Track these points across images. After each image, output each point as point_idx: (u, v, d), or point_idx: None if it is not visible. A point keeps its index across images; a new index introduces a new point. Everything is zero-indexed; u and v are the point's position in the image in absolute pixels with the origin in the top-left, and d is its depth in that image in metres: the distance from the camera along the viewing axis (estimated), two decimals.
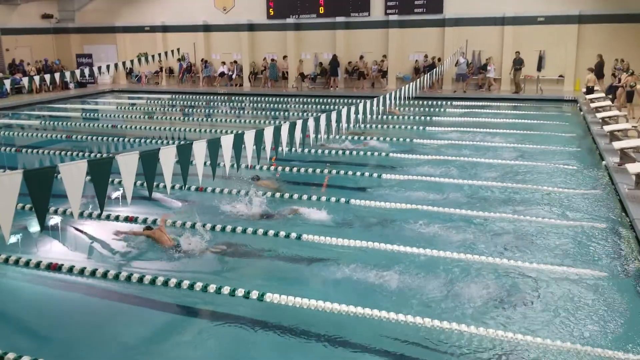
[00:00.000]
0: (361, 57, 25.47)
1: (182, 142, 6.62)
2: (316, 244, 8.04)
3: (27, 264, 7.46)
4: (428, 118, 18.41)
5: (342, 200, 9.85)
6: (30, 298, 6.82)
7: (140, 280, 6.95)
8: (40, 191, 4.15)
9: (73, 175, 4.41)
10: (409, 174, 11.53)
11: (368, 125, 16.25)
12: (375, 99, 13.09)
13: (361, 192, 10.51)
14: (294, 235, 8.26)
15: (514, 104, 21.27)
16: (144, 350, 5.58)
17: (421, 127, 16.73)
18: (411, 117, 18.50)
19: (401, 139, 14.87)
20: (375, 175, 11.49)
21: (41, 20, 29.34)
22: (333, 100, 22.85)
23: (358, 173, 11.62)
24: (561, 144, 14.24)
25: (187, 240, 7.85)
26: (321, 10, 25.85)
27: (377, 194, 10.27)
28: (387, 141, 14.83)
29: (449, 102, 21.49)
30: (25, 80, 21.20)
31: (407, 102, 17.86)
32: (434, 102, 21.45)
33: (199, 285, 6.72)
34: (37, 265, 7.41)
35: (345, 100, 22.44)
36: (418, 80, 17.94)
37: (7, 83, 19.67)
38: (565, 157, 12.86)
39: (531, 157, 12.92)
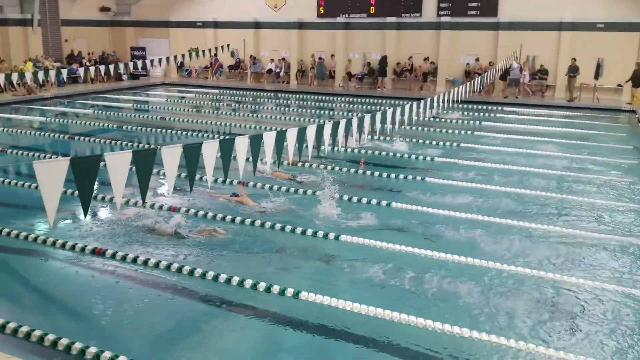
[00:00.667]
0: (410, 58, 25.20)
1: (225, 137, 6.62)
2: (354, 245, 7.94)
3: (73, 247, 7.68)
4: (477, 123, 18.02)
5: (384, 202, 9.70)
6: (73, 281, 6.96)
7: (179, 270, 7.04)
8: (86, 179, 4.21)
9: (118, 165, 4.46)
10: (454, 179, 11.27)
11: (414, 128, 16.01)
12: (422, 101, 12.87)
13: (403, 195, 10.33)
14: (332, 235, 8.18)
15: (567, 112, 20.60)
16: (175, 340, 5.61)
17: (469, 132, 16.37)
18: (459, 122, 18.14)
19: (447, 143, 14.58)
20: (419, 178, 11.29)
21: (99, 13, 30.20)
22: (379, 101, 22.64)
23: (401, 176, 11.44)
24: (616, 155, 13.68)
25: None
26: (372, 10, 25.68)
27: (420, 198, 10.07)
28: (433, 145, 14.57)
29: (499, 108, 20.97)
30: (81, 71, 21.84)
31: (455, 105, 17.53)
32: (484, 107, 20.98)
33: (235, 279, 6.74)
34: (82, 249, 7.62)
35: (392, 102, 22.21)
36: (468, 83, 17.57)
37: (65, 72, 20.31)
38: (619, 170, 12.33)
39: (583, 168, 12.46)
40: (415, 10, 24.98)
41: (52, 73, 20.39)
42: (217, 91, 25.96)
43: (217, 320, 6.07)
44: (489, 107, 20.95)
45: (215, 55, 26.45)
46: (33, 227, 8.52)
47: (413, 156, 13.22)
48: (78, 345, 5.26)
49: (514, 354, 5.34)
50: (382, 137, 14.08)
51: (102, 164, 5.11)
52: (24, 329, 5.57)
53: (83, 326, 5.87)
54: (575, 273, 7.12)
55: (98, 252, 7.53)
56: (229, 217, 8.87)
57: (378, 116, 10.15)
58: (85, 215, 4.34)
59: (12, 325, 5.63)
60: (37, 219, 8.93)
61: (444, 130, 16.53)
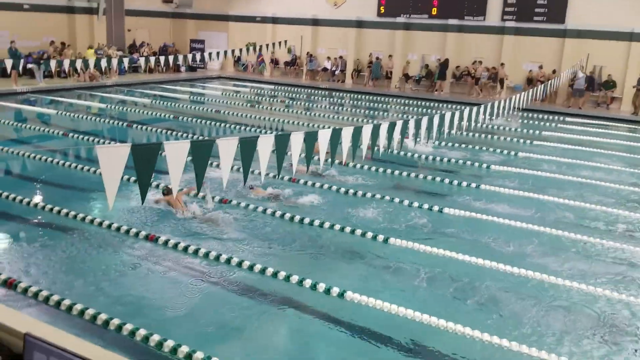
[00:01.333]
0: (474, 63, 24.66)
1: (279, 133, 6.58)
2: (403, 248, 7.77)
3: (127, 232, 7.85)
4: (537, 132, 17.42)
5: (436, 207, 9.47)
6: (124, 264, 7.08)
7: (228, 261, 7.06)
8: (145, 165, 4.24)
9: (176, 154, 4.47)
10: (510, 187, 10.90)
11: (472, 134, 15.62)
12: (482, 107, 12.51)
13: (457, 201, 10.06)
14: (381, 237, 8.03)
15: (633, 126, 19.68)
16: (219, 329, 5.62)
17: (529, 141, 15.84)
18: (519, 130, 17.58)
19: (505, 151, 14.14)
20: (473, 185, 10.97)
21: (162, 5, 30.87)
22: (436, 105, 22.23)
23: (455, 181, 11.15)
24: None
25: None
26: (434, 11, 25.24)
27: (473, 205, 9.78)
28: (490, 152, 14.18)
29: (561, 118, 20.24)
30: (142, 60, 22.35)
31: (516, 112, 17.01)
32: (545, 116, 20.29)
33: (282, 274, 6.70)
34: (137, 234, 7.77)
35: (449, 106, 21.75)
36: (530, 90, 17.02)
37: (126, 62, 20.83)
38: None
39: None
40: (479, 14, 24.41)
41: (115, 61, 20.92)
42: (272, 87, 26.10)
43: (261, 314, 6.03)
44: (551, 117, 20.24)
45: (260, 49, 26.39)
46: (90, 209, 8.72)
47: (468, 162, 12.88)
48: (129, 327, 5.36)
49: None
50: (437, 142, 13.78)
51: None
52: (78, 306, 5.70)
53: (130, 308, 5.94)
54: (632, 291, 6.74)
55: (151, 239, 7.65)
56: (278, 213, 8.85)
57: (436, 119, 9.90)
58: (143, 201, 4.37)
59: (66, 302, 5.80)
60: (94, 201, 9.14)
61: (502, 138, 16.05)
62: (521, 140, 15.90)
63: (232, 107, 19.69)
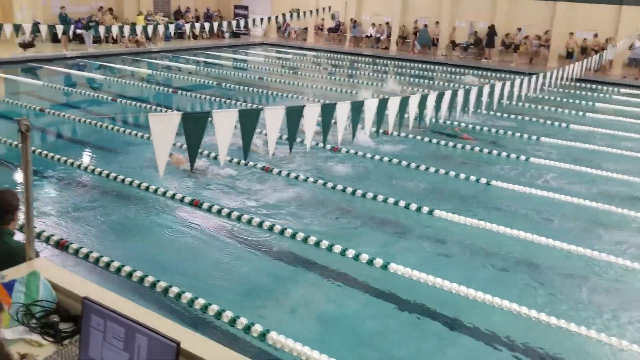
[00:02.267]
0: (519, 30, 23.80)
1: (325, 102, 6.49)
2: (448, 221, 7.65)
3: (172, 197, 8.01)
4: (590, 104, 16.77)
5: (482, 180, 9.26)
6: (170, 228, 7.23)
7: (271, 228, 7.11)
8: (194, 134, 4.27)
9: (224, 123, 4.47)
10: (560, 160, 10.57)
11: (521, 104, 15.14)
12: (534, 76, 12.08)
13: (503, 174, 9.82)
14: (425, 209, 7.91)
15: None
16: (254, 292, 5.70)
17: (581, 113, 15.28)
18: (571, 101, 16.96)
19: (556, 123, 13.68)
20: (522, 158, 10.68)
21: None
22: (484, 73, 21.62)
23: (504, 153, 10.86)
24: None
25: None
26: None
27: (521, 179, 9.52)
28: (539, 123, 13.74)
29: (616, 89, 19.41)
30: (187, 27, 22.42)
31: (568, 83, 16.39)
32: (600, 87, 19.50)
33: (325, 243, 6.69)
34: (182, 199, 7.93)
35: (498, 75, 21.15)
36: (584, 60, 16.33)
37: (172, 28, 20.94)
38: None
39: None
40: None
41: (161, 28, 21.06)
42: (315, 53, 25.86)
43: (298, 279, 6.09)
44: (605, 88, 19.43)
45: (284, 15, 25.90)
46: (137, 174, 8.89)
47: (517, 134, 12.51)
48: (175, 290, 5.48)
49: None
50: (486, 112, 13.40)
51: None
52: (127, 268, 5.88)
53: (171, 270, 6.06)
54: None
55: (195, 204, 7.77)
56: (320, 182, 8.83)
57: (486, 90, 9.61)
58: (192, 168, 4.40)
59: (116, 264, 5.99)
60: (143, 167, 9.31)
61: (552, 109, 15.52)
62: (573, 112, 15.34)
63: (275, 74, 19.62)
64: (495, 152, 10.97)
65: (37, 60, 19.32)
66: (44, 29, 16.46)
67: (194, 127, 4.26)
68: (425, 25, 25.53)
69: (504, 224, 7.46)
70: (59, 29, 17.72)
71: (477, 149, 11.14)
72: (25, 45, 19.66)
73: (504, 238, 7.23)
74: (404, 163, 9.96)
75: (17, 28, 16.11)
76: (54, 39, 21.17)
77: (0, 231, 3.51)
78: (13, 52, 19.39)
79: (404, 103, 7.28)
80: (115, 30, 18.65)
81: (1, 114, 12.60)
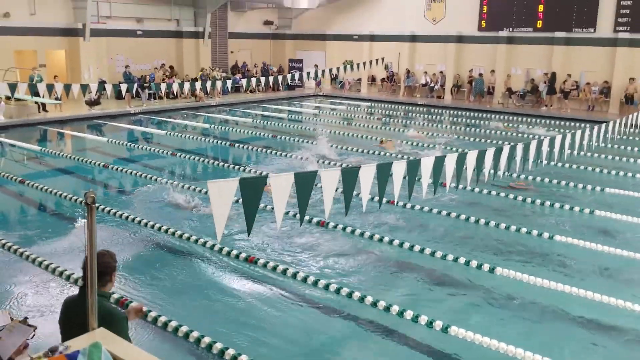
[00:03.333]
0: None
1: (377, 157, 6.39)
2: (510, 280, 7.32)
3: (228, 253, 8.06)
4: None
5: (545, 235, 8.89)
6: (227, 284, 7.25)
7: (326, 287, 7.00)
8: (252, 198, 4.29)
9: (281, 186, 4.48)
10: (629, 213, 10.03)
11: (583, 153, 14.60)
12: (601, 126, 11.64)
13: (568, 227, 9.39)
14: (486, 266, 7.61)
15: None
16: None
17: None
18: (635, 149, 16.26)
19: (621, 173, 13.10)
20: (586, 211, 10.22)
21: (262, 27, 31.91)
22: (542, 121, 21.16)
23: (566, 206, 10.44)
24: None
25: None
26: (539, 24, 24.15)
27: (589, 235, 9.07)
28: (604, 174, 13.18)
29: None
30: (243, 81, 23.14)
31: (632, 130, 15.76)
32: None
33: (382, 304, 6.52)
34: (237, 256, 7.97)
35: (558, 122, 20.67)
36: None
37: (229, 82, 21.65)
38: None
39: None
40: (589, 25, 23.03)
41: (219, 83, 21.80)
42: (369, 104, 26.07)
43: (357, 343, 5.91)
44: None
45: (316, 65, 26.13)
46: (192, 228, 9.00)
47: (580, 185, 12.03)
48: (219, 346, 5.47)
49: None
50: (547, 162, 12.98)
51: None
52: (184, 328, 5.85)
53: (230, 331, 6.01)
54: None
55: (251, 260, 7.78)
56: (367, 234, 8.70)
57: (546, 142, 9.34)
58: (249, 234, 4.40)
59: (162, 318, 5.97)
60: (197, 220, 9.43)
61: (616, 158, 14.91)
62: (639, 161, 14.67)
63: (329, 125, 19.81)
64: (557, 204, 10.56)
65: (102, 117, 20.30)
66: (109, 87, 17.36)
67: (251, 192, 4.28)
68: (480, 74, 25.41)
69: (570, 283, 7.08)
70: (123, 87, 18.62)
71: (538, 201, 10.76)
72: (92, 103, 20.73)
73: (570, 298, 6.84)
74: (463, 217, 9.72)
75: (85, 87, 17.03)
76: (119, 96, 22.24)
77: (98, 293, 3.53)
78: (80, 110, 20.46)
79: (462, 159, 7.13)
80: (175, 86, 19.45)
81: (68, 170, 13.18)
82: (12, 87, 15.03)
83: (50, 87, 16.63)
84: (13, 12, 21.46)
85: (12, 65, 20.62)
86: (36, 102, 19.13)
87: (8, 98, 17.73)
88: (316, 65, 24.87)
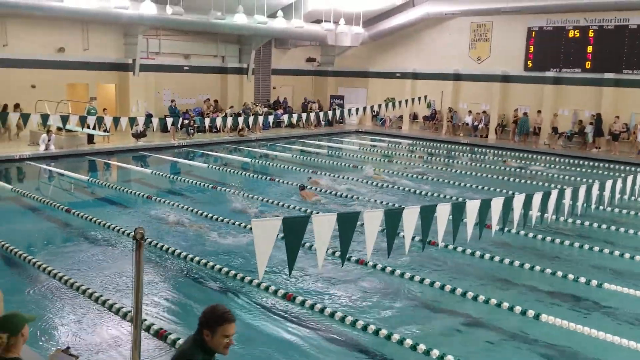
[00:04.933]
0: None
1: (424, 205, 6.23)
2: (556, 328, 6.99)
3: (266, 289, 8.03)
4: None
5: (594, 282, 8.51)
6: (264, 321, 7.18)
7: (364, 328, 6.83)
8: (294, 238, 4.25)
9: (323, 226, 4.42)
10: None
11: (633, 197, 14.08)
12: None
13: (618, 276, 8.98)
14: (531, 313, 7.30)
15: None
16: None
17: None
18: None
19: None
20: (638, 258, 9.76)
21: (305, 63, 32.39)
22: (590, 163, 20.60)
23: (616, 252, 10.01)
24: None
25: None
26: (587, 65, 23.74)
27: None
28: None
29: None
30: (285, 117, 23.43)
31: None
32: None
33: (421, 347, 6.29)
34: (275, 292, 7.92)
35: (605, 165, 20.09)
36: None
37: (270, 118, 21.93)
38: None
39: None
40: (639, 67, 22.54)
41: (261, 118, 22.12)
42: (410, 141, 25.96)
43: None
44: None
45: (379, 105, 26.12)
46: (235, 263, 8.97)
47: (631, 230, 11.55)
48: None
49: None
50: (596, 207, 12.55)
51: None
52: None
53: None
54: None
55: (289, 298, 7.70)
56: (427, 281, 8.49)
57: (595, 187, 9.03)
58: (290, 272, 4.33)
59: None
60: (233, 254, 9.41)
61: None
62: None
63: (369, 162, 19.72)
64: (606, 250, 10.15)
65: (147, 149, 20.77)
66: (155, 120, 17.83)
67: (294, 231, 4.23)
68: (525, 114, 25.04)
69: (620, 334, 6.72)
70: (169, 120, 19.06)
71: (586, 246, 10.36)
72: (138, 135, 21.26)
73: (621, 351, 6.47)
74: (507, 261, 9.42)
75: (132, 120, 17.53)
76: (164, 129, 22.77)
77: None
78: (126, 141, 21.01)
79: (508, 203, 6.94)
80: (218, 121, 19.80)
81: (113, 200, 13.45)
82: (64, 119, 15.57)
83: (100, 120, 17.17)
84: (68, 47, 22.41)
85: (64, 98, 21.42)
86: (87, 134, 19.74)
87: (59, 129, 18.35)
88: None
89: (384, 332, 6.69)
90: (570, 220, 11.82)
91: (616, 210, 12.98)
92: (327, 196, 14.02)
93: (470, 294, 7.91)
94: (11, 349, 3.40)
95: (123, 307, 7.14)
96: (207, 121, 19.84)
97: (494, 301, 7.68)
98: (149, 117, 20.23)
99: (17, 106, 19.87)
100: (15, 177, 16.80)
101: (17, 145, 19.37)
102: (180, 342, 6.23)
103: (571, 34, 24.10)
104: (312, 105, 29.93)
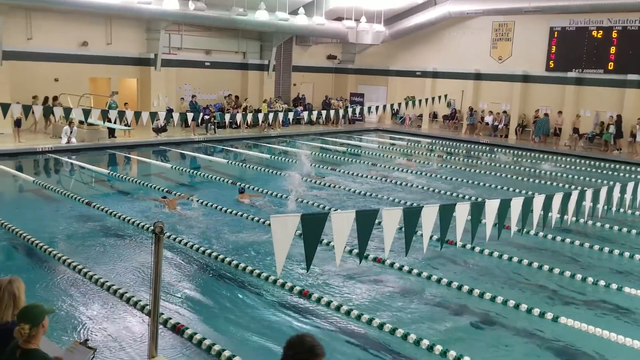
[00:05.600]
0: None
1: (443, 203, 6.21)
2: (575, 330, 6.92)
3: (282, 285, 8.05)
4: None
5: (614, 285, 8.40)
6: (283, 316, 7.22)
7: (369, 321, 6.79)
8: (312, 234, 4.26)
9: (342, 223, 4.43)
10: None
11: None
12: None
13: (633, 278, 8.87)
14: (549, 315, 7.23)
15: None
16: None
17: None
18: None
19: None
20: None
21: (326, 61, 32.39)
22: (611, 165, 20.32)
23: (637, 256, 9.87)
24: None
25: None
26: (610, 66, 23.41)
27: None
28: None
29: None
30: (305, 114, 23.45)
31: None
32: None
33: (438, 348, 6.27)
34: (291, 289, 7.95)
35: (628, 168, 19.80)
36: None
37: (290, 115, 21.97)
38: None
39: None
40: None
41: (281, 115, 22.16)
42: (430, 140, 25.83)
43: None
44: None
45: (399, 104, 26.07)
46: (251, 259, 9.02)
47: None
48: None
49: None
50: (617, 209, 12.38)
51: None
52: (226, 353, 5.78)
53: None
54: None
55: (305, 294, 7.71)
56: (444, 281, 8.45)
57: (617, 188, 8.92)
58: (308, 269, 4.35)
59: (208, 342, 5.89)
60: (252, 249, 9.46)
61: None
62: None
63: (387, 161, 19.67)
64: (627, 253, 10.01)
65: (167, 143, 20.95)
66: (176, 115, 17.98)
67: (313, 228, 4.25)
68: (546, 114, 24.76)
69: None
70: (189, 116, 19.20)
71: (606, 249, 10.23)
72: (159, 130, 21.45)
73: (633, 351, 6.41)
74: (525, 262, 9.35)
75: (153, 115, 17.69)
76: (185, 124, 22.95)
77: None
78: (147, 136, 21.21)
79: (528, 204, 6.88)
80: (239, 117, 19.89)
81: (132, 193, 13.60)
82: (86, 112, 15.76)
83: (121, 114, 17.36)
84: (91, 41, 22.68)
85: (87, 92, 21.69)
86: (108, 128, 19.97)
87: (81, 122, 18.61)
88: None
89: (400, 331, 6.69)
90: (590, 222, 11.68)
91: (637, 213, 12.78)
92: (346, 194, 14.04)
93: (487, 295, 7.87)
94: (32, 340, 3.43)
95: (141, 300, 7.23)
96: (227, 117, 19.95)
97: (512, 302, 7.63)
98: (169, 112, 20.39)
99: (55, 99, 20.21)
100: (38, 170, 17.07)
101: (40, 138, 19.68)
102: (198, 337, 6.29)
103: (594, 34, 23.77)
104: (337, 103, 29.78)
